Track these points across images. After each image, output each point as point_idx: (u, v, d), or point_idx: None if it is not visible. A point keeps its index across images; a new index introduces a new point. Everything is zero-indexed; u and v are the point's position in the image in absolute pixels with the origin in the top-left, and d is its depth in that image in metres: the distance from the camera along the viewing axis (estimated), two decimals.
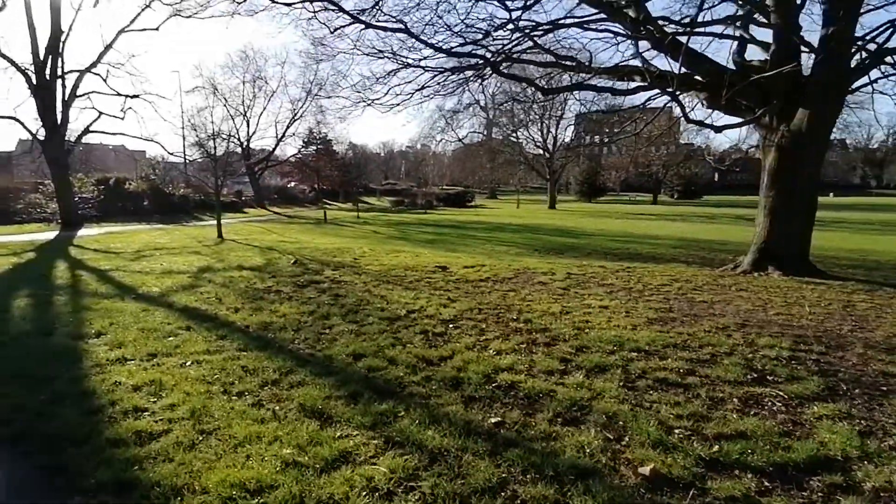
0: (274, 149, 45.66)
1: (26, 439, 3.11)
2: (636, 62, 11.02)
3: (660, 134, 22.06)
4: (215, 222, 27.63)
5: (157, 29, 22.52)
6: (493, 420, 3.23)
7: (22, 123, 20.47)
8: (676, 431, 3.04)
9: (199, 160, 40.11)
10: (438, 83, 13.88)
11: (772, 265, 8.65)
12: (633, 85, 10.69)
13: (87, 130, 21.72)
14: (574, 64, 11.98)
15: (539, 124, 42.52)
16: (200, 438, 3.02)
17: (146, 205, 29.09)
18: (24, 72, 19.40)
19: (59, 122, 19.95)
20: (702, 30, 8.87)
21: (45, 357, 4.47)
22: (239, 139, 43.18)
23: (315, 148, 49.53)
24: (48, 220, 21.50)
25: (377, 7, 8.85)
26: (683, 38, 10.01)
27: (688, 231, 23.02)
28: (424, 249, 14.59)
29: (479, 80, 13.58)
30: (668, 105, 11.77)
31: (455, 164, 75.66)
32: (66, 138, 20.88)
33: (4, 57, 19.11)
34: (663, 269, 10.61)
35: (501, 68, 11.93)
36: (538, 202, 59.73)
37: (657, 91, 10.70)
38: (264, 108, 44.88)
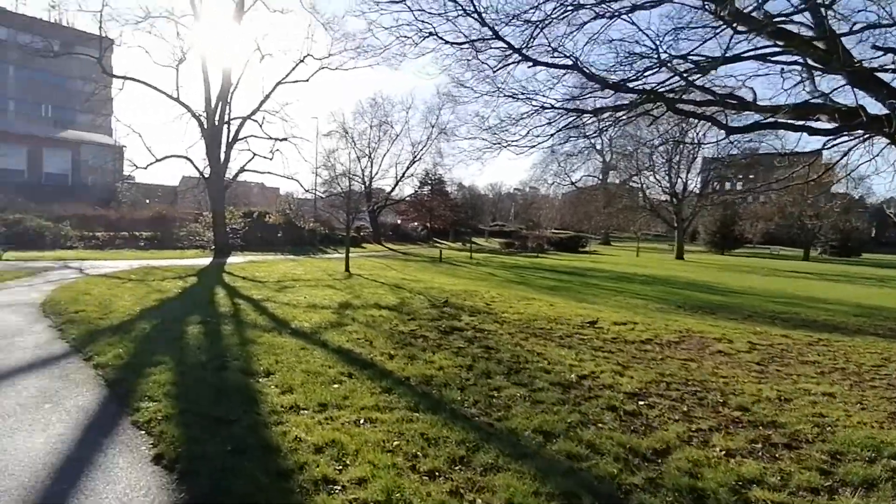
0: (393, 188, 47.89)
1: (217, 500, 2.81)
2: (818, 100, 9.58)
3: (834, 182, 19.31)
4: (339, 255, 29.16)
5: (307, 80, 24.74)
6: None
7: (192, 163, 23.32)
8: None
9: (327, 197, 43.28)
10: (579, 124, 13.27)
11: None
12: (824, 125, 9.19)
13: (242, 169, 24.20)
14: (736, 103, 10.75)
15: (666, 168, 39.93)
16: None
17: (280, 236, 31.40)
18: (197, 118, 22.14)
19: (222, 162, 22.37)
20: None
21: (222, 395, 4.35)
22: (363, 179, 45.98)
23: (429, 188, 51.25)
24: (203, 247, 23.92)
25: (533, 40, 8.49)
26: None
27: (861, 295, 19.56)
28: (553, 298, 13.71)
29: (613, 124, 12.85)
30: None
31: (566, 207, 73.88)
32: (226, 176, 23.29)
33: (183, 105, 22.01)
34: (863, 344, 8.71)
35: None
36: (659, 251, 55.82)
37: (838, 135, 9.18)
38: (387, 151, 47.42)
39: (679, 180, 40.47)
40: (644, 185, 43.78)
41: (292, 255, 25.38)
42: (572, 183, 68.86)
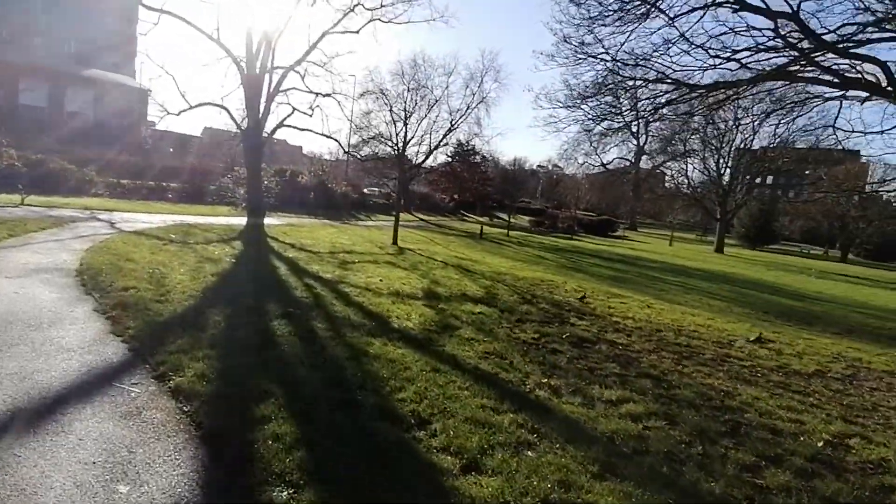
0: (427, 156, 45.80)
1: None
2: None
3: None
4: (373, 223, 27.59)
5: (357, 32, 22.56)
6: None
7: (229, 112, 21.55)
8: None
9: (363, 160, 41.39)
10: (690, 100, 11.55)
11: None
12: None
13: (281, 124, 22.24)
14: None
15: (715, 156, 37.31)
16: None
17: (311, 198, 29.76)
18: (238, 63, 20.23)
19: (261, 114, 20.55)
20: None
21: (384, 469, 2.80)
22: (396, 144, 43.94)
23: (462, 159, 49.08)
24: (235, 205, 22.39)
25: None
26: None
27: None
28: (636, 293, 12.04)
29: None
30: None
31: (594, 189, 71.27)
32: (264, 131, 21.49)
33: (223, 47, 19.99)
34: None
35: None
36: (689, 241, 53.53)
37: None
38: (425, 116, 44.97)
39: (727, 170, 37.92)
40: (686, 172, 41.14)
41: (327, 220, 23.82)
42: (603, 164, 66.24)
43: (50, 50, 39.98)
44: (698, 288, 16.12)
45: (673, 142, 42.23)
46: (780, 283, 21.71)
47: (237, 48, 20.35)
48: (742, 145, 37.33)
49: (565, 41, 10.10)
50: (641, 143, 64.07)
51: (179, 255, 8.59)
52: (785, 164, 32.38)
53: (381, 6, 22.57)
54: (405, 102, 43.08)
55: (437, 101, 44.39)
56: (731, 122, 33.59)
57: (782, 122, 29.97)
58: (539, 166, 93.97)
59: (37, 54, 35.98)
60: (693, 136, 35.01)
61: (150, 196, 20.97)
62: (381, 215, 33.29)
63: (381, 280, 8.81)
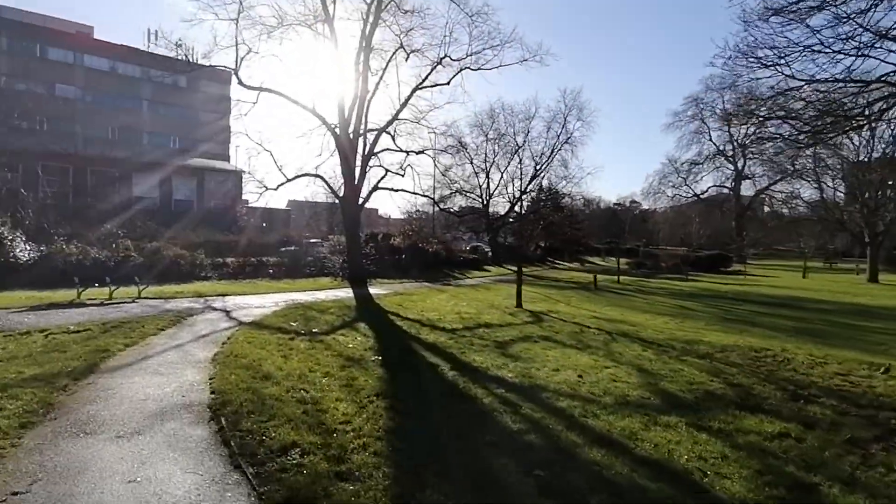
0: (514, 205, 43.88)
1: None
2: None
3: None
4: (472, 281, 25.43)
5: (448, 83, 21.59)
6: None
7: (325, 181, 20.90)
8: None
9: (461, 217, 40.12)
10: None
11: None
12: None
13: (376, 187, 21.26)
14: None
15: (855, 171, 32.18)
16: None
17: (403, 259, 28.42)
18: (332, 130, 19.60)
19: (356, 180, 19.61)
20: None
21: None
22: (481, 196, 42.54)
23: (547, 204, 46.64)
24: (334, 275, 21.26)
25: None
26: None
27: None
28: (879, 358, 8.74)
29: None
30: None
31: (694, 221, 65.59)
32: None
33: (318, 116, 19.55)
34: None
35: None
36: (819, 270, 46.68)
37: None
38: (508, 165, 43.38)
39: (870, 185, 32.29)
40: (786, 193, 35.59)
41: (426, 283, 22.00)
42: (696, 195, 60.95)
43: (156, 146, 43.68)
44: None
45: (786, 159, 37.26)
46: None
47: (330, 116, 19.84)
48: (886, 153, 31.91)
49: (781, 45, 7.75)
50: (739, 167, 58.68)
51: (316, 357, 6.75)
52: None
53: (469, 55, 21.57)
54: (485, 154, 41.93)
55: (518, 147, 42.85)
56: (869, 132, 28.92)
57: None
58: (616, 204, 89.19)
59: (145, 151, 39.01)
60: (825, 151, 30.39)
61: (253, 274, 20.25)
62: (474, 272, 31.24)
63: (579, 376, 6.43)
